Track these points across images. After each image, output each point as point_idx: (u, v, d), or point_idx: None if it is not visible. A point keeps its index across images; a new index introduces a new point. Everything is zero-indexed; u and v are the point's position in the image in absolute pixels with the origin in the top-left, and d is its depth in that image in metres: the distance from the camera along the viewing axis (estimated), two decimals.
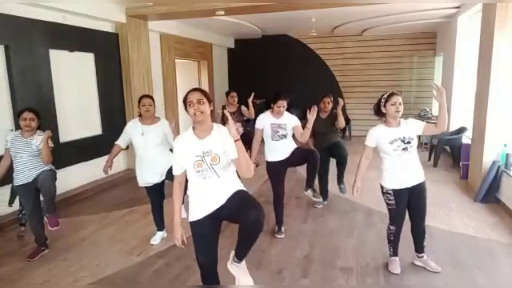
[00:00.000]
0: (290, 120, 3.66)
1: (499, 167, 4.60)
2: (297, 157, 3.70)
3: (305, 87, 9.44)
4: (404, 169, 2.87)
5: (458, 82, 7.06)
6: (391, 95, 2.83)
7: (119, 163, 6.29)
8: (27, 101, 4.23)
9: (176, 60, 7.95)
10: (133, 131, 3.49)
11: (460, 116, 7.07)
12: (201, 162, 2.10)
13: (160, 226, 3.79)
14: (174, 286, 2.97)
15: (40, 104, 4.42)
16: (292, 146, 3.71)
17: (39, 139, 3.32)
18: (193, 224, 2.22)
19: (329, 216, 4.30)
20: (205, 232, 2.21)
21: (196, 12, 5.68)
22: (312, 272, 3.12)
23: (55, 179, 3.51)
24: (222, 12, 5.69)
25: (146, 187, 3.62)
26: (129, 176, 6.21)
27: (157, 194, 3.67)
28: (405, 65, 9.58)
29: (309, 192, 3.84)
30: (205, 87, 9.38)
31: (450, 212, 4.31)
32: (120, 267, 3.24)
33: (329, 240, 3.70)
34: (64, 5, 4.79)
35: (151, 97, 3.52)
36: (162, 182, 3.62)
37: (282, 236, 3.77)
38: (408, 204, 2.98)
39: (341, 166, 4.58)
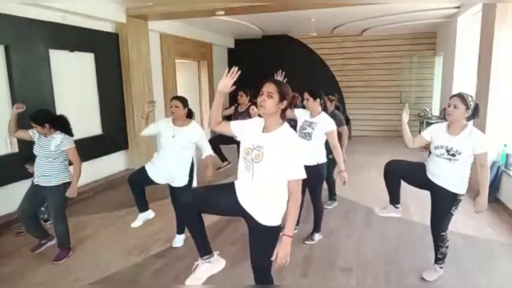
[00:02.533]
0: (323, 123, 3.39)
1: (499, 167, 4.60)
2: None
3: (305, 87, 9.41)
4: (436, 166, 2.77)
5: (458, 82, 7.05)
6: (451, 96, 2.70)
7: (119, 163, 6.29)
8: (27, 101, 4.15)
9: (176, 60, 7.94)
10: (164, 129, 3.41)
11: None
12: (249, 151, 1.98)
13: (143, 207, 3.56)
14: (174, 286, 2.97)
15: (40, 104, 4.40)
16: (313, 155, 3.35)
17: (58, 138, 3.19)
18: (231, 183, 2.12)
19: (329, 216, 4.28)
20: (226, 196, 2.09)
21: (196, 12, 5.68)
22: (312, 272, 3.12)
23: (65, 204, 3.36)
24: (222, 12, 5.69)
25: (143, 172, 3.39)
26: None
27: (145, 182, 3.42)
28: (405, 65, 9.58)
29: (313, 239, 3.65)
30: (205, 87, 9.40)
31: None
32: (120, 267, 3.24)
33: (329, 240, 3.70)
34: (64, 5, 4.78)
35: (179, 99, 3.34)
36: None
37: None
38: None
39: (329, 186, 4.56)
